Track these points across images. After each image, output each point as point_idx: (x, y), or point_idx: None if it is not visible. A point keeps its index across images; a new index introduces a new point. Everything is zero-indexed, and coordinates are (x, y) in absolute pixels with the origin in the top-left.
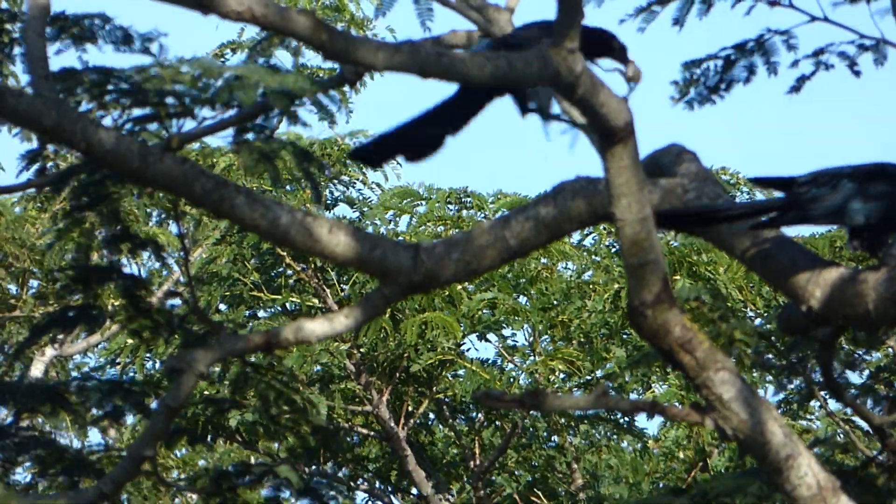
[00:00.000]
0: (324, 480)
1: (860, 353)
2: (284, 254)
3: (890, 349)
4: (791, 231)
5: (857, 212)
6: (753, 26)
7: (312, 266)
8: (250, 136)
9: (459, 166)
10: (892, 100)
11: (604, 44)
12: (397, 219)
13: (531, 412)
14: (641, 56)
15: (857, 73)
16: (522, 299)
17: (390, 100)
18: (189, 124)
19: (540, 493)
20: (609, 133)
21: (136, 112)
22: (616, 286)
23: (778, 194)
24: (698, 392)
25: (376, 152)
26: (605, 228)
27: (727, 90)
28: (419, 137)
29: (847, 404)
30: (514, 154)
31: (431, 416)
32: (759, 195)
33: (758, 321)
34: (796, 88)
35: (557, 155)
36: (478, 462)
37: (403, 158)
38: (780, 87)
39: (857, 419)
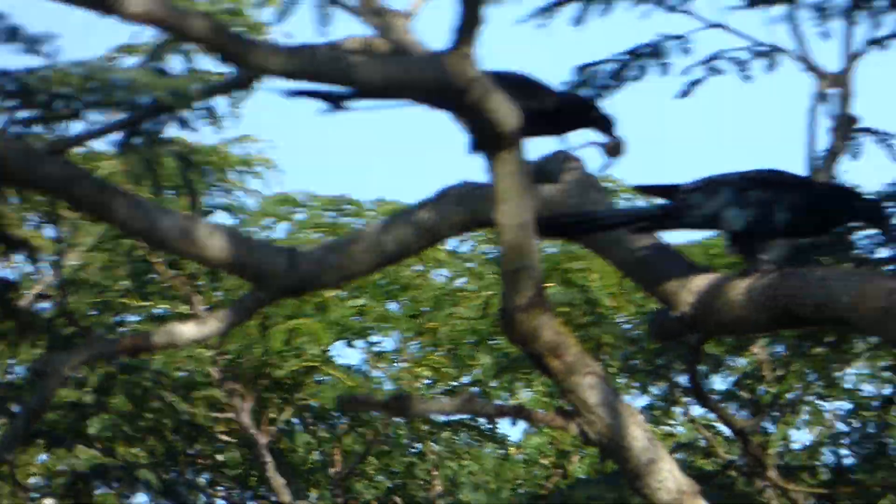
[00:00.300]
0: (183, 486)
1: (726, 358)
2: (155, 260)
3: (754, 355)
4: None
5: (734, 218)
6: (651, 30)
7: (184, 273)
8: (137, 140)
9: (339, 174)
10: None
11: (581, 113)
12: (275, 226)
13: (394, 418)
14: (538, 55)
15: (748, 79)
16: (393, 306)
17: (278, 106)
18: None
19: (399, 500)
20: (497, 138)
21: (23, 114)
22: (487, 293)
23: (661, 202)
24: (564, 397)
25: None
26: (483, 236)
27: (619, 87)
28: None
29: (711, 408)
30: (396, 162)
31: (295, 421)
32: (641, 203)
33: (628, 327)
34: (686, 93)
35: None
36: (338, 468)
37: None
38: (670, 93)
39: (718, 425)
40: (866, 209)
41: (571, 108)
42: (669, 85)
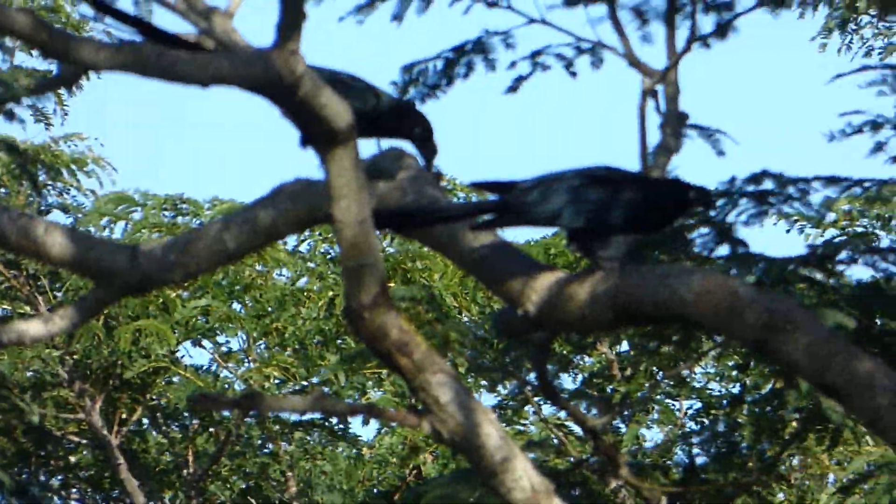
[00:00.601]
0: (36, 487)
1: (574, 356)
2: None
3: (603, 354)
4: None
5: (573, 215)
6: (473, 25)
7: (24, 273)
8: None
9: (175, 172)
10: (609, 103)
11: (401, 117)
12: (112, 226)
13: (246, 418)
14: (361, 54)
15: (574, 75)
16: (237, 306)
17: (106, 104)
18: None
19: (254, 501)
20: (331, 135)
21: None
22: (330, 293)
23: (499, 198)
24: (415, 395)
25: None
26: (320, 235)
27: (448, 85)
28: None
29: (561, 406)
30: (231, 159)
31: (146, 422)
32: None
33: (472, 327)
34: (514, 88)
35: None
36: (191, 470)
37: None
38: (500, 89)
39: (570, 424)
40: (699, 196)
41: (393, 112)
42: (500, 82)
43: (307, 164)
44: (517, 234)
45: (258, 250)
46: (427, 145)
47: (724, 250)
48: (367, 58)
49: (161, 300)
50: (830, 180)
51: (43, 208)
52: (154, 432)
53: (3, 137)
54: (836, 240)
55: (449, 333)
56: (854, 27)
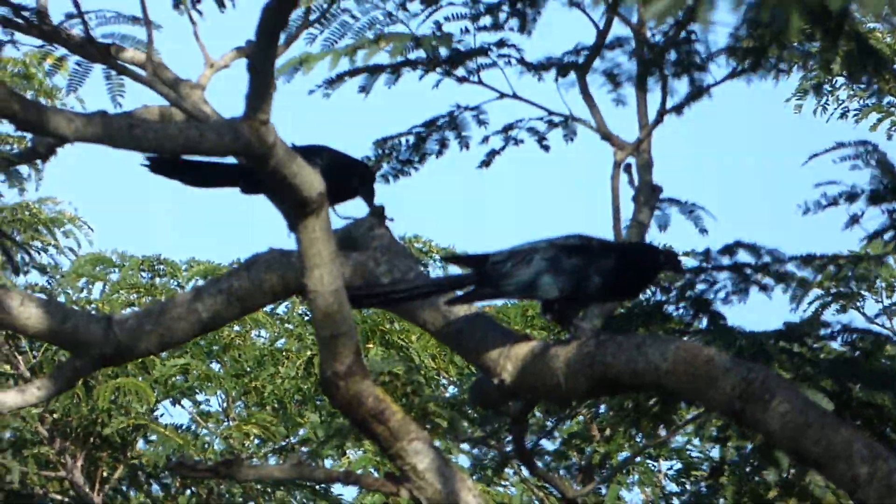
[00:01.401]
0: None
1: (552, 421)
2: None
3: (581, 417)
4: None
5: (548, 286)
6: (444, 97)
7: (4, 334)
8: None
9: (152, 233)
10: (583, 173)
11: (350, 177)
12: (90, 286)
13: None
14: (332, 126)
15: (546, 148)
16: (216, 366)
17: (82, 166)
18: None
19: None
20: (301, 204)
21: None
22: (309, 353)
23: (472, 272)
24: (392, 462)
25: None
26: (298, 297)
27: (420, 162)
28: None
29: (540, 476)
30: (208, 221)
31: (127, 481)
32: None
33: (451, 389)
34: (486, 163)
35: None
36: None
37: None
38: (473, 161)
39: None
40: (667, 260)
41: (341, 170)
42: (474, 155)
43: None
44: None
45: (234, 319)
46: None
47: (702, 323)
48: (337, 128)
49: (140, 359)
50: (806, 260)
51: (21, 267)
52: (134, 492)
53: None
54: (816, 308)
55: (428, 405)
56: (829, 88)
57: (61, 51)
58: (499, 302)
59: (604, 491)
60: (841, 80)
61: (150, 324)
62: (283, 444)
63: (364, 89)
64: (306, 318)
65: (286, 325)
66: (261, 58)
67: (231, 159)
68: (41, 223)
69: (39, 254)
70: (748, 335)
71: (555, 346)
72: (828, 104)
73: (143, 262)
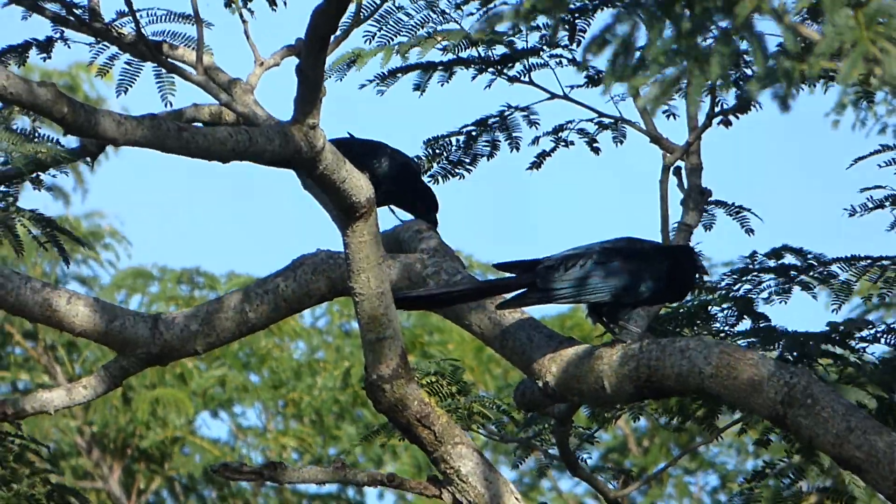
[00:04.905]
0: None
1: (593, 429)
2: (13, 331)
3: (619, 430)
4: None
5: (601, 290)
6: (496, 98)
7: (42, 343)
8: None
9: (192, 246)
10: (631, 176)
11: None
12: (129, 299)
13: (264, 488)
14: (383, 123)
15: (597, 151)
16: (254, 377)
17: (126, 181)
18: None
19: None
20: (350, 208)
21: None
22: (346, 364)
23: (523, 278)
24: (436, 466)
25: None
26: (338, 310)
27: (472, 164)
28: None
29: (583, 478)
30: (247, 233)
31: (165, 493)
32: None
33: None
34: (537, 164)
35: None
36: None
37: None
38: (524, 163)
39: (587, 501)
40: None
41: (403, 180)
42: (523, 157)
43: (319, 239)
44: (533, 310)
45: (280, 320)
46: (430, 211)
47: (745, 325)
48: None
49: (178, 370)
50: (849, 261)
51: (60, 280)
52: (172, 503)
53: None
54: (859, 312)
55: (473, 406)
56: (867, 104)
57: (111, 50)
58: (548, 308)
59: (640, 499)
60: (880, 95)
61: (196, 324)
62: (320, 456)
63: (419, 87)
64: (345, 329)
65: (324, 337)
66: (311, 62)
67: None
68: (81, 236)
69: (79, 266)
70: (791, 335)
71: (600, 348)
72: (866, 120)
73: (182, 274)
